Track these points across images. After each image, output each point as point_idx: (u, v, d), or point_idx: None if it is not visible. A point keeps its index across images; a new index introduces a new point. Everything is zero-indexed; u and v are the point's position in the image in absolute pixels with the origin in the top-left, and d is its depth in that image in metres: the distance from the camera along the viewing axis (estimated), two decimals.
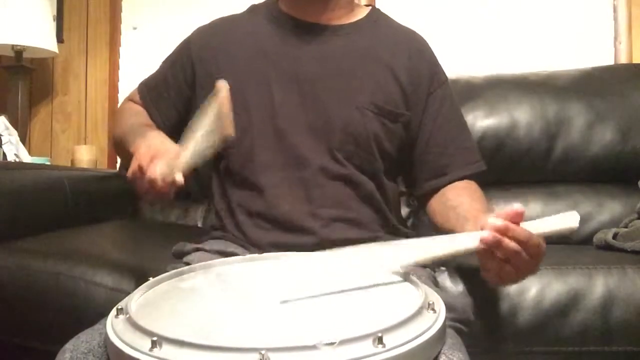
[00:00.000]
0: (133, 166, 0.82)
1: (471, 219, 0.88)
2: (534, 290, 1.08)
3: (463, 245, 0.70)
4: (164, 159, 0.79)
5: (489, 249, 0.69)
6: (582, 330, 1.06)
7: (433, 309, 0.58)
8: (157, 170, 0.78)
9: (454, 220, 0.94)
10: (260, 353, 0.46)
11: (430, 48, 1.11)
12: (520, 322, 1.07)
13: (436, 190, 1.04)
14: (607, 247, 1.31)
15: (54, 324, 1.14)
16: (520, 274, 0.74)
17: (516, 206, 0.68)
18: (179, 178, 0.78)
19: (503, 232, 0.68)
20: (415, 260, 0.70)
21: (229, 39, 1.06)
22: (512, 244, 0.68)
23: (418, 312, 0.55)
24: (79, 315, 1.13)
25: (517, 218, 0.69)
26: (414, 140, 1.04)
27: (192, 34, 1.11)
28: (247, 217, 0.99)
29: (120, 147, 1.03)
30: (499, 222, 0.67)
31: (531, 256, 0.70)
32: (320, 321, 0.59)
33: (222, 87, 0.85)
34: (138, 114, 1.09)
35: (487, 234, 0.68)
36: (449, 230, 0.94)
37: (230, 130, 0.84)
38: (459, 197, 0.99)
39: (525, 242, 0.69)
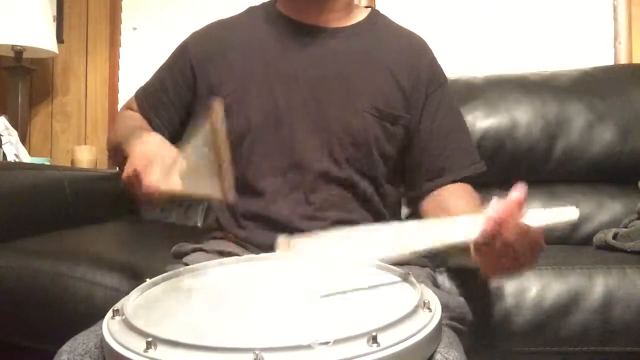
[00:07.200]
0: (128, 170, 0.79)
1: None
2: (534, 290, 1.08)
3: (461, 235, 0.67)
4: (160, 164, 0.76)
5: (488, 239, 0.66)
6: (582, 330, 1.06)
7: (429, 308, 0.57)
8: (153, 178, 0.75)
9: None
10: (255, 353, 0.46)
11: (430, 50, 1.10)
12: (520, 322, 1.07)
13: (431, 192, 1.02)
14: (607, 247, 1.31)
15: (54, 324, 1.14)
16: (517, 267, 0.71)
17: (516, 194, 0.64)
18: (176, 185, 0.76)
19: (503, 221, 0.64)
20: (410, 250, 0.67)
21: (226, 43, 1.05)
22: (512, 235, 0.65)
23: (413, 311, 0.55)
24: (79, 315, 1.13)
25: (518, 207, 0.65)
26: (412, 142, 1.04)
27: (188, 38, 1.10)
28: (247, 219, 0.99)
29: (116, 151, 1.00)
30: (500, 212, 0.64)
31: (530, 248, 0.68)
32: (315, 320, 0.59)
33: (217, 106, 0.80)
34: (135, 119, 1.08)
35: (487, 224, 0.64)
36: None
37: (225, 155, 0.78)
38: (452, 198, 0.98)
39: (524, 234, 0.66)
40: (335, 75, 1.00)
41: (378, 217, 1.01)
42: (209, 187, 0.76)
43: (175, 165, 0.78)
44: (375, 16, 1.10)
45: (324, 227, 0.94)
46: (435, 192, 1.02)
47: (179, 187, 0.76)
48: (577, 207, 1.64)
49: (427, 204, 1.03)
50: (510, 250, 0.67)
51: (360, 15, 1.08)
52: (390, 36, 1.08)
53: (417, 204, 1.06)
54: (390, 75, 1.02)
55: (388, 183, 1.03)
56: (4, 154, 2.01)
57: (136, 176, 0.77)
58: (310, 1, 1.03)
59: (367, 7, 1.13)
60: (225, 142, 0.78)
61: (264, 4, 1.11)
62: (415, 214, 1.08)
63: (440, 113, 1.04)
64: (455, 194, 0.99)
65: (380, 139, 0.99)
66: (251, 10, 1.11)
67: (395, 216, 1.07)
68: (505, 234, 0.65)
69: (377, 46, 1.04)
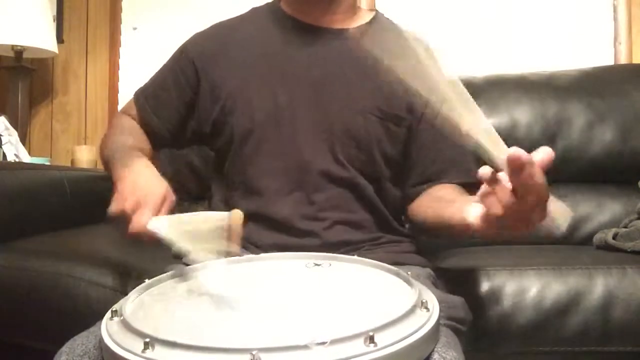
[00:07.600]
0: (116, 206, 0.79)
1: (459, 201, 0.85)
2: (534, 290, 1.08)
3: (493, 143, 0.63)
4: (150, 206, 0.77)
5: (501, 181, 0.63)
6: (582, 330, 1.06)
7: (426, 308, 0.57)
8: (142, 222, 0.75)
9: (443, 207, 0.89)
10: (252, 353, 0.46)
11: None
12: (520, 322, 1.07)
13: (422, 192, 1.02)
14: (607, 247, 1.31)
15: (54, 324, 1.14)
16: (523, 219, 0.66)
17: (547, 150, 0.61)
18: (164, 229, 0.74)
19: (528, 163, 0.60)
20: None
21: (229, 43, 1.05)
22: (540, 182, 0.61)
23: (411, 311, 0.55)
24: (79, 315, 1.13)
25: (546, 162, 0.62)
26: (410, 144, 1.04)
27: (189, 40, 1.10)
28: (247, 219, 0.99)
29: (106, 167, 1.00)
30: (526, 154, 0.60)
31: (538, 203, 0.64)
32: (312, 320, 0.59)
33: (237, 217, 0.80)
34: (130, 130, 1.07)
35: (515, 151, 0.60)
36: (435, 220, 0.92)
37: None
38: (445, 189, 0.98)
39: (540, 184, 0.62)
40: (339, 75, 1.00)
41: (380, 217, 1.01)
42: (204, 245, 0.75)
43: (165, 205, 0.78)
44: (378, 19, 1.10)
45: (327, 227, 0.95)
46: (427, 190, 1.02)
47: (166, 232, 0.74)
48: (577, 207, 1.64)
49: (419, 200, 1.02)
50: (524, 195, 0.62)
51: (364, 18, 1.09)
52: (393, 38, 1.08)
53: (406, 208, 1.06)
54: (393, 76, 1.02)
55: (390, 184, 1.03)
56: (4, 154, 2.01)
57: (125, 216, 0.77)
58: (314, 2, 1.03)
59: (370, 10, 1.13)
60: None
61: (267, 4, 1.11)
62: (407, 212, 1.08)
63: (439, 119, 1.04)
64: (447, 187, 0.99)
65: (383, 140, 0.99)
66: (255, 10, 1.11)
67: (396, 215, 1.07)
68: (528, 172, 0.60)
69: (380, 48, 1.05)
